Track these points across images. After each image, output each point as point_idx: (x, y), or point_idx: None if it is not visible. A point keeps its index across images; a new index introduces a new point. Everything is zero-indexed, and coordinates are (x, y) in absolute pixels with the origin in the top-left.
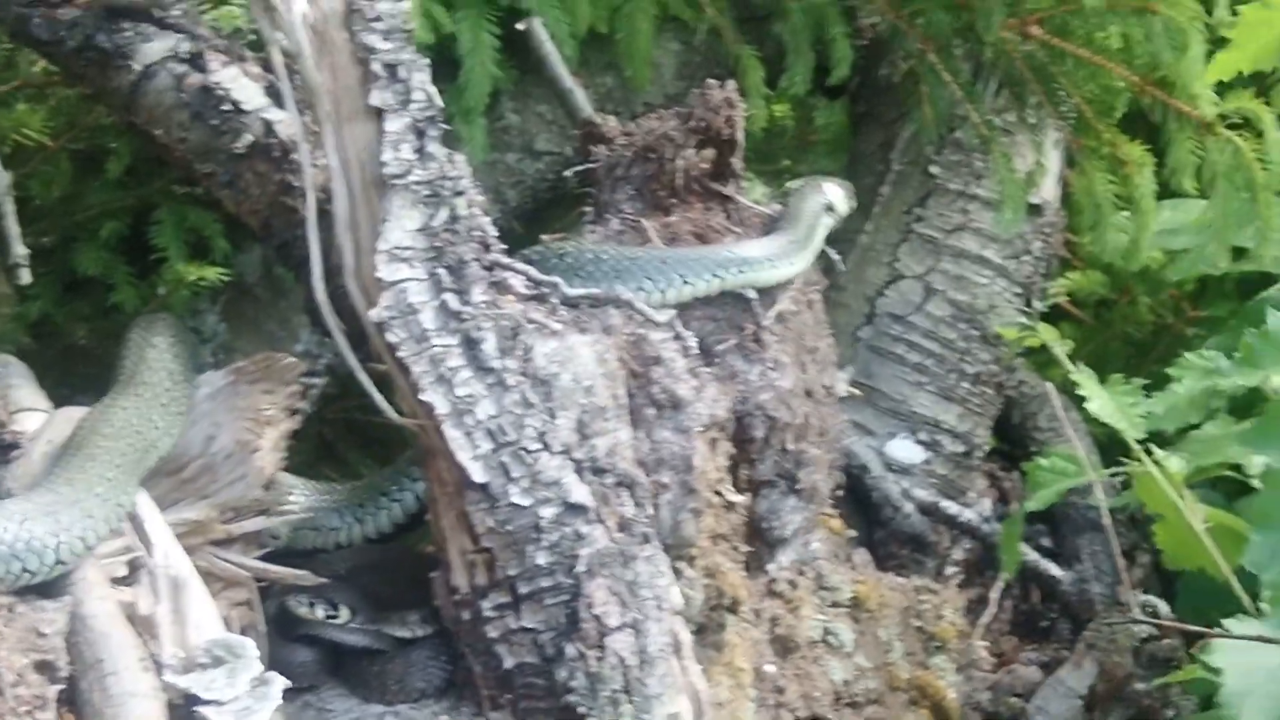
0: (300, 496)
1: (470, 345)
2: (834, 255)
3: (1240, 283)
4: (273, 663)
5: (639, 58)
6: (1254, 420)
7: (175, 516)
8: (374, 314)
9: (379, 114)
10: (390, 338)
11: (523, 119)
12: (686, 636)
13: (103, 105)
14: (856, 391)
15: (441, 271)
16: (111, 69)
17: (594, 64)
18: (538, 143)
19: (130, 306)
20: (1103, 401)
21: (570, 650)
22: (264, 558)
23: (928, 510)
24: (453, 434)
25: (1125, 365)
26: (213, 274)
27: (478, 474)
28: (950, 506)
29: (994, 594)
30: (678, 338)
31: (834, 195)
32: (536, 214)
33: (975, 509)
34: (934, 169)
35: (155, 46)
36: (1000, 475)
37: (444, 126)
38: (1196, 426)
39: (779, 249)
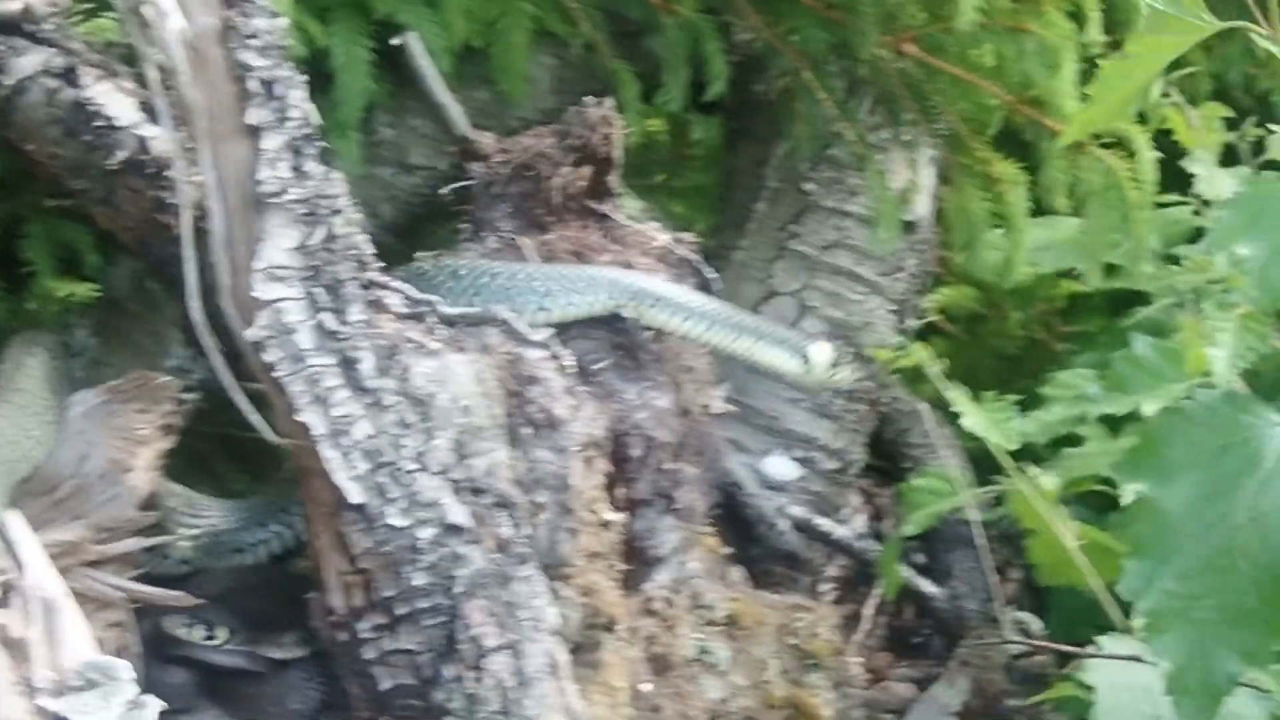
0: (214, 515)
1: (347, 365)
2: (710, 274)
3: (1110, 299)
4: (147, 684)
5: (514, 72)
6: (1126, 448)
7: (48, 537)
8: (250, 333)
9: (255, 132)
10: (267, 357)
11: (397, 133)
12: (564, 657)
13: None
14: (731, 408)
15: (318, 290)
16: None
17: (468, 78)
18: (412, 157)
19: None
20: (976, 417)
21: (448, 672)
22: (156, 580)
23: (802, 527)
24: (329, 454)
25: (997, 380)
26: (84, 289)
27: (355, 495)
28: (824, 523)
29: (867, 611)
30: (555, 357)
31: (818, 351)
32: (410, 229)
33: (849, 526)
34: (808, 186)
35: (27, 61)
36: (874, 491)
37: (321, 144)
38: (1069, 440)
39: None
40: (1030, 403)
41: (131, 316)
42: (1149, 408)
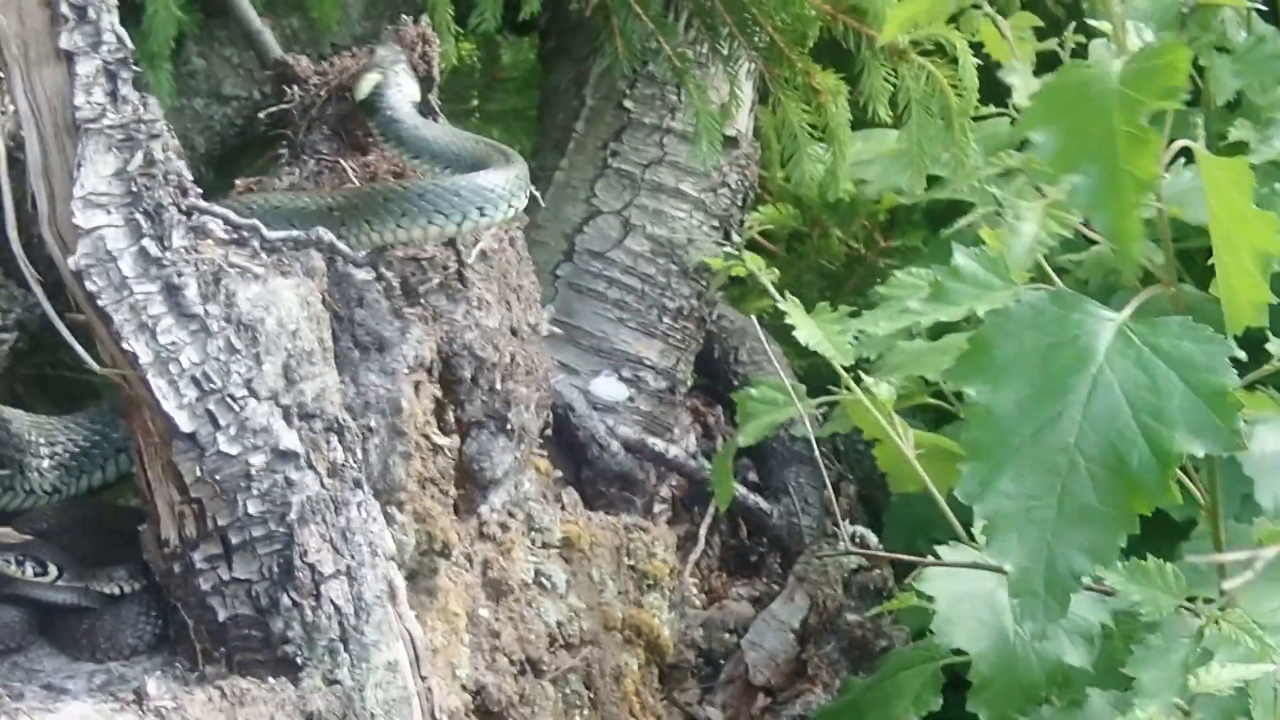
0: (67, 434)
1: (171, 292)
2: (533, 190)
3: (929, 212)
4: None
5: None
6: (957, 353)
7: None
8: (72, 262)
9: (69, 57)
10: (90, 286)
11: (209, 63)
12: (400, 582)
13: None
14: (558, 330)
15: (139, 217)
16: None
17: (279, 6)
18: (225, 87)
19: None
20: (810, 330)
21: (285, 600)
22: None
23: (634, 448)
24: (157, 383)
25: (820, 297)
26: None
27: (184, 423)
28: (657, 443)
29: (702, 530)
30: (380, 278)
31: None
32: (226, 159)
33: (681, 445)
34: (628, 103)
35: None
36: (704, 410)
37: (136, 69)
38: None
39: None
40: (856, 316)
41: None
42: (982, 309)
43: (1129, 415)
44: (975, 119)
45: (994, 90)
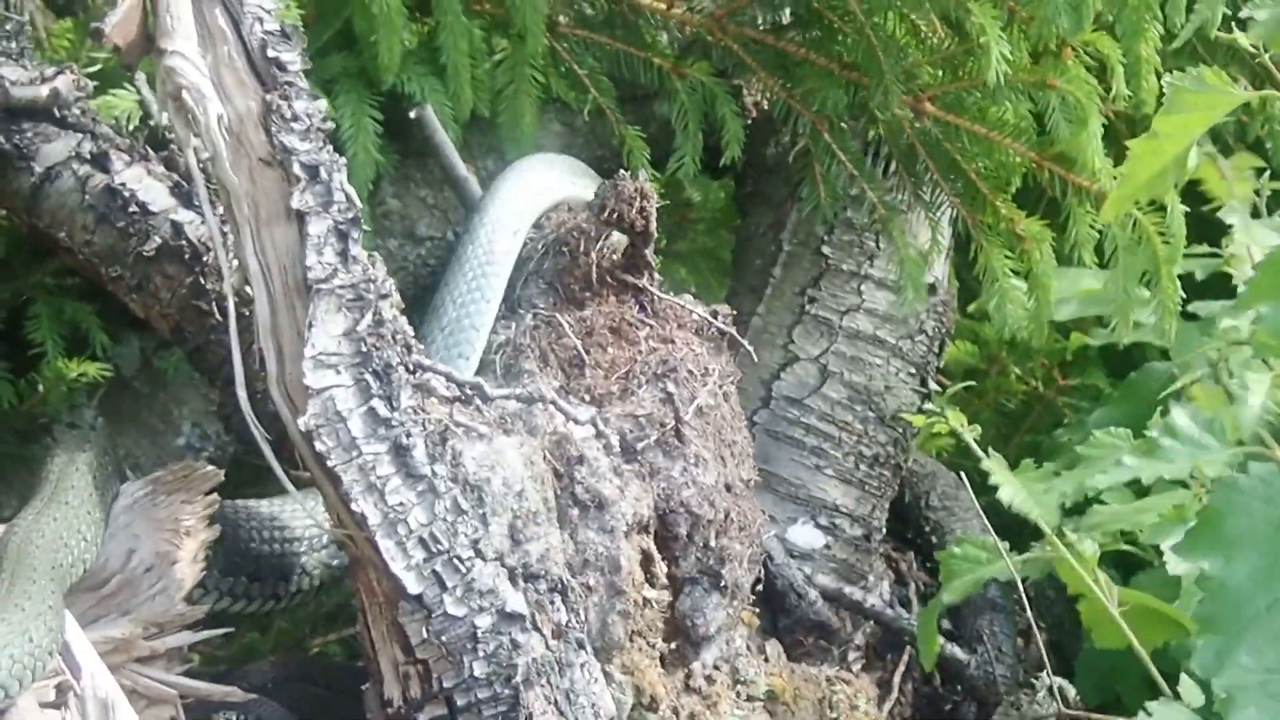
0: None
1: (400, 452)
2: (746, 345)
3: (1103, 350)
4: None
5: (523, 140)
6: (1187, 528)
7: (98, 634)
8: (302, 422)
9: (301, 217)
10: (319, 446)
11: (403, 204)
12: None
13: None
14: (756, 478)
15: (369, 377)
16: (12, 171)
17: (475, 148)
18: (419, 228)
19: (7, 404)
20: (1014, 489)
21: None
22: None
23: (831, 596)
24: (385, 544)
25: (997, 435)
26: (93, 369)
27: (412, 585)
28: (854, 592)
29: (896, 678)
30: (599, 435)
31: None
32: (418, 300)
33: (876, 593)
34: (826, 249)
35: (57, 147)
36: (895, 556)
37: (366, 229)
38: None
39: None
40: (1032, 456)
41: (139, 396)
42: (1211, 470)
43: None
44: (1187, 256)
45: (1200, 226)
